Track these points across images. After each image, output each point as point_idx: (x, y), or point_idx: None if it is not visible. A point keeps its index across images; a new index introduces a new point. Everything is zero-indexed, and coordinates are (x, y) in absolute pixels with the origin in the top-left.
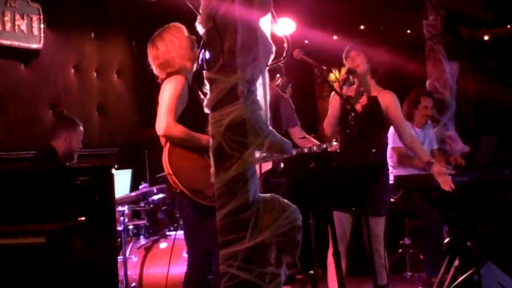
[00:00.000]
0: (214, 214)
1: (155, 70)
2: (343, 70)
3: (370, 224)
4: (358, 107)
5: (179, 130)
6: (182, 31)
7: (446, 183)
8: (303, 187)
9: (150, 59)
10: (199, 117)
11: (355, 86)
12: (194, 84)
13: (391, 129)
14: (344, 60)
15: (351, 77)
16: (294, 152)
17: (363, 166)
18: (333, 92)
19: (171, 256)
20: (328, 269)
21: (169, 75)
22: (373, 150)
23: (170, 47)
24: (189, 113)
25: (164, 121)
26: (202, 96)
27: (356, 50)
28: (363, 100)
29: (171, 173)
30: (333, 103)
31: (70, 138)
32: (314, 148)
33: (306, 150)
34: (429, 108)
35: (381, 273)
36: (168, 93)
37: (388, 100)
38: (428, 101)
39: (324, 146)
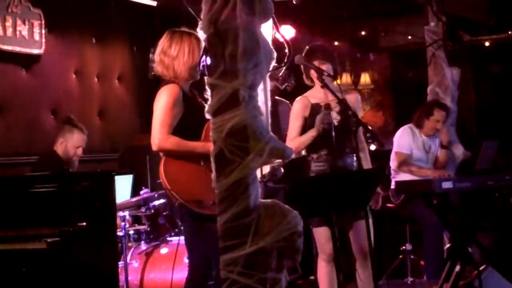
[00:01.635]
0: (213, 220)
1: (156, 59)
2: (347, 78)
3: (361, 228)
4: (334, 114)
5: (171, 143)
6: (200, 46)
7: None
8: (304, 193)
9: (159, 47)
10: (196, 125)
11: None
12: (191, 91)
13: (397, 133)
14: (303, 71)
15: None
16: (293, 156)
17: (364, 171)
18: (297, 105)
19: (174, 261)
20: (319, 277)
21: (163, 81)
22: (354, 157)
23: (180, 55)
24: (186, 122)
25: (156, 137)
26: (199, 103)
27: (320, 59)
28: (335, 106)
29: (169, 188)
30: (301, 118)
31: (66, 143)
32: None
33: (303, 153)
34: (440, 122)
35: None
36: (161, 106)
37: (353, 100)
38: (441, 115)
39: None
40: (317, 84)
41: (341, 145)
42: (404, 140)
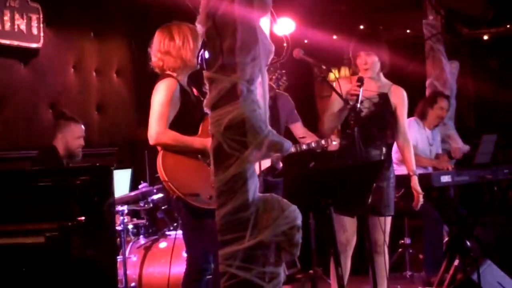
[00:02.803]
0: (211, 214)
1: (155, 56)
2: (346, 71)
3: (379, 223)
4: (370, 104)
5: (169, 138)
6: (198, 36)
7: (418, 203)
8: (303, 187)
9: (157, 45)
10: (192, 120)
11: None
12: (189, 86)
13: None
14: (352, 58)
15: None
16: (293, 149)
17: (363, 165)
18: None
19: (171, 255)
20: (331, 266)
21: (163, 74)
22: (384, 150)
23: (185, 43)
24: (182, 116)
25: (154, 130)
26: (196, 97)
27: (366, 50)
28: (375, 97)
29: (167, 180)
30: (334, 100)
31: (65, 137)
32: (313, 144)
33: (304, 147)
34: (444, 109)
35: (383, 278)
36: (159, 99)
37: (399, 96)
38: (445, 103)
39: (323, 142)
40: (362, 73)
41: (369, 136)
42: (410, 131)
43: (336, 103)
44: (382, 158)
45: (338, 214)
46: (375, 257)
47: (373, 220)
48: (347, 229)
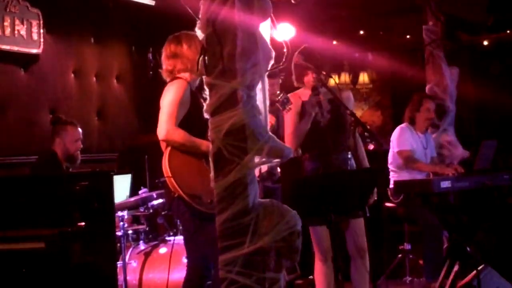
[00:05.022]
0: (212, 219)
1: (164, 64)
2: (346, 77)
3: (359, 226)
4: (325, 113)
5: (179, 135)
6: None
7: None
8: (303, 192)
9: (165, 52)
10: (200, 122)
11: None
12: (197, 90)
13: (395, 132)
14: (296, 76)
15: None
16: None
17: (362, 171)
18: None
19: (170, 261)
20: (316, 278)
21: (173, 77)
22: (349, 153)
23: (192, 46)
24: (190, 118)
25: (164, 126)
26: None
27: (311, 69)
28: (326, 106)
29: (170, 176)
30: (294, 115)
31: (63, 141)
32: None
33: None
34: (431, 110)
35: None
36: (170, 98)
37: (345, 98)
38: (430, 103)
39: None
40: (308, 85)
41: (334, 142)
42: (404, 137)
43: (291, 121)
44: (350, 161)
45: (315, 225)
46: (359, 262)
47: (353, 224)
48: (324, 238)
